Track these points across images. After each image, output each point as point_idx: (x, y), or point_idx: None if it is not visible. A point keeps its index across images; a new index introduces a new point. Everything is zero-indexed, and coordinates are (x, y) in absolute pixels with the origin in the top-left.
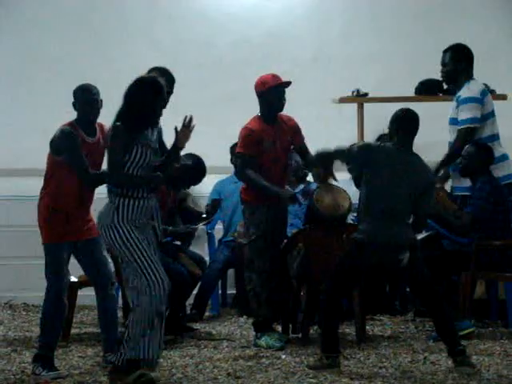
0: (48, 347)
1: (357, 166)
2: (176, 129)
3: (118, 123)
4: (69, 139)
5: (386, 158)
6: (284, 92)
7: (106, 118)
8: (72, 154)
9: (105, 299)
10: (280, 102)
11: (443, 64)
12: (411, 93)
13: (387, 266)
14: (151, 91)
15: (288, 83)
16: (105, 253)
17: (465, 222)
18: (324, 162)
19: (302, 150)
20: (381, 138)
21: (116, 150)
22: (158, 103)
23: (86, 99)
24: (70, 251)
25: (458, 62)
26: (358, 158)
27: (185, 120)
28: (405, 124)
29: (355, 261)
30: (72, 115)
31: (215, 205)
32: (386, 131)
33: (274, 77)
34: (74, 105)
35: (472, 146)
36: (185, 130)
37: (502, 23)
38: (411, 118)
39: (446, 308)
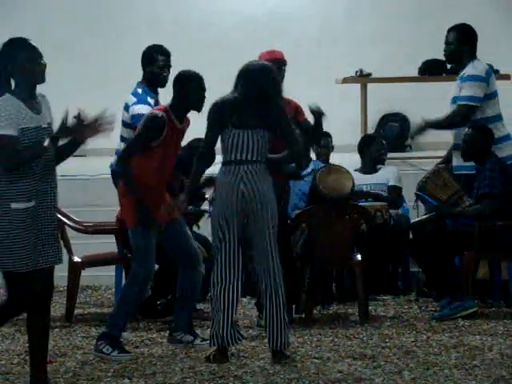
0: (119, 328)
1: None
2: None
3: None
4: (149, 123)
5: None
6: (280, 69)
7: (113, 95)
8: (138, 135)
9: (193, 276)
10: None
11: (447, 43)
12: (414, 73)
13: None
14: None
15: (281, 60)
16: (188, 231)
17: (486, 207)
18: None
19: (305, 128)
20: (384, 118)
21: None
22: None
23: (195, 88)
24: (156, 235)
25: (463, 41)
26: None
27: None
28: None
29: None
30: (75, 92)
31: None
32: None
33: (269, 53)
34: (174, 87)
35: (471, 129)
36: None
37: (505, 4)
38: None
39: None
